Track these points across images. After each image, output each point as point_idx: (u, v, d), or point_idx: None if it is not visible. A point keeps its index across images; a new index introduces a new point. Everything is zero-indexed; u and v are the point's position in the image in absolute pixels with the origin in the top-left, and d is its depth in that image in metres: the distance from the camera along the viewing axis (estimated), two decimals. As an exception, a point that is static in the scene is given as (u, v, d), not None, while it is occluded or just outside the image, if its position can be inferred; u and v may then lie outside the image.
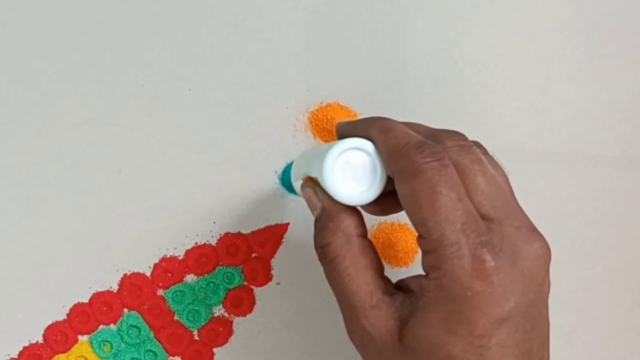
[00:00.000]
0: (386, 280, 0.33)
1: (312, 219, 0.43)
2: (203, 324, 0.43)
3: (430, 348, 0.30)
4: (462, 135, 0.33)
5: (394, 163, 0.31)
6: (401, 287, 0.33)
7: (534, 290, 0.31)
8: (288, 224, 0.44)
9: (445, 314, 0.30)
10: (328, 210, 0.33)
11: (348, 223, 0.33)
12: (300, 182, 0.37)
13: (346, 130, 0.35)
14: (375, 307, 0.32)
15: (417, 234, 0.31)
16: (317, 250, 0.34)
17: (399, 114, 0.44)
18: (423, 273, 0.31)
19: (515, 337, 0.30)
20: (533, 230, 0.32)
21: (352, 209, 0.33)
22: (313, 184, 0.34)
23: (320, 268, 0.42)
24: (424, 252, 0.31)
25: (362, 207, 0.35)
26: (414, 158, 0.30)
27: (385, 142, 0.32)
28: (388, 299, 0.32)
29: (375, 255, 0.33)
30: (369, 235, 0.43)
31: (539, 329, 0.31)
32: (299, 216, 0.43)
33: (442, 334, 0.30)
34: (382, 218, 0.44)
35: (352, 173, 0.32)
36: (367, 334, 0.32)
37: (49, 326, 0.43)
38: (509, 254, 0.30)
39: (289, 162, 0.43)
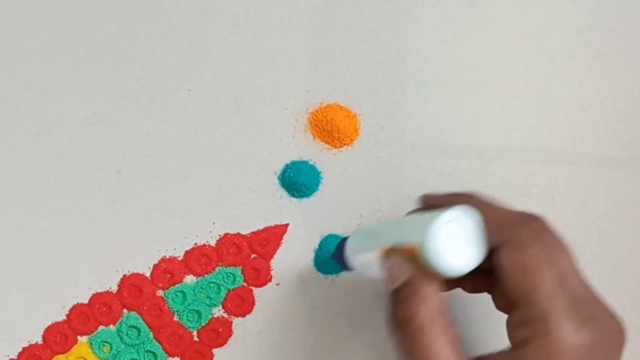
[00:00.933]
0: (463, 355, 0.33)
1: (312, 220, 0.43)
2: (203, 324, 0.43)
3: None
4: (545, 219, 0.33)
5: (500, 234, 0.32)
6: None
7: None
8: (287, 224, 0.43)
9: None
10: (415, 282, 0.33)
11: (434, 298, 0.33)
12: (366, 254, 0.36)
13: (440, 202, 0.35)
14: None
15: (509, 312, 0.32)
16: (394, 322, 0.33)
17: (399, 114, 0.44)
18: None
19: None
20: (612, 312, 0.33)
21: (437, 285, 0.33)
22: (401, 253, 0.34)
23: (319, 268, 0.42)
24: (521, 324, 0.32)
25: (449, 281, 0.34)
26: (522, 230, 0.32)
27: (488, 213, 0.33)
28: None
29: (456, 331, 0.33)
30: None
31: None
32: (298, 217, 0.43)
33: None
34: (382, 218, 0.43)
35: (453, 243, 0.32)
36: None
37: (49, 327, 0.43)
38: (601, 331, 0.31)
39: (288, 163, 0.43)
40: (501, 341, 0.34)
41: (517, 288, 0.31)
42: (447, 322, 0.33)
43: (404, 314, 0.33)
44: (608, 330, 0.32)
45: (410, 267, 0.33)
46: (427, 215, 0.33)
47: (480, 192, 0.35)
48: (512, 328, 0.32)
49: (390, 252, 0.35)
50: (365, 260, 0.37)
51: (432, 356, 0.32)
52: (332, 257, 0.43)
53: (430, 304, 0.33)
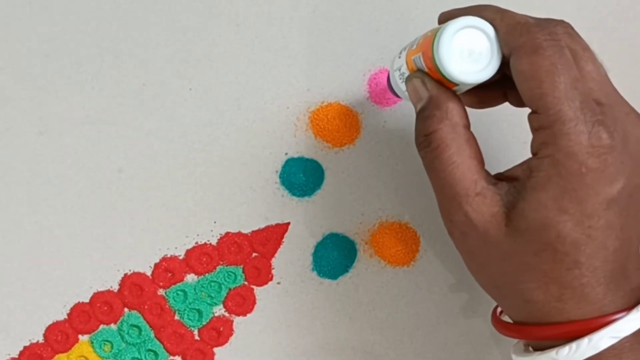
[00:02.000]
0: (488, 172, 0.33)
1: (313, 219, 0.43)
2: (204, 323, 0.43)
3: (540, 228, 0.31)
4: (569, 24, 0.33)
5: (513, 39, 0.31)
6: (503, 178, 0.33)
7: (639, 174, 0.31)
8: (289, 223, 0.43)
9: (558, 191, 0.30)
10: (436, 99, 0.33)
11: (455, 112, 0.33)
12: (402, 79, 0.36)
13: (455, 14, 0.35)
14: (479, 195, 0.32)
15: (530, 111, 0.32)
16: (419, 140, 0.34)
17: (401, 112, 0.44)
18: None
19: (620, 221, 0.31)
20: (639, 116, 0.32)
21: (459, 100, 0.34)
22: (421, 73, 0.34)
23: (320, 267, 0.42)
24: (537, 129, 0.31)
25: (464, 97, 0.35)
26: (535, 35, 0.31)
27: (504, 19, 0.32)
28: (492, 187, 0.32)
29: (478, 148, 0.33)
30: (369, 235, 0.43)
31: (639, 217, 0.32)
32: (299, 216, 0.43)
33: (553, 214, 0.30)
34: (383, 216, 0.44)
35: (467, 52, 0.32)
36: (469, 221, 0.32)
37: (50, 326, 0.43)
38: (620, 135, 0.31)
39: (289, 161, 0.43)
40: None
41: (529, 94, 0.31)
42: (469, 137, 0.33)
43: (427, 129, 0.33)
44: (633, 134, 0.31)
45: (431, 84, 0.34)
46: (439, 27, 0.33)
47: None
48: (532, 135, 0.32)
49: (412, 75, 0.35)
50: (400, 78, 0.37)
51: (454, 169, 0.32)
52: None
53: (452, 118, 0.33)
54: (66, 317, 0.43)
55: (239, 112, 0.43)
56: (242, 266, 0.43)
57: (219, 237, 0.43)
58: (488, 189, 0.32)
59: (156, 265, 0.43)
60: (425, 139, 0.33)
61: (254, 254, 0.43)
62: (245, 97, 0.43)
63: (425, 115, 0.34)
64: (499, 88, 0.36)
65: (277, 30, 0.43)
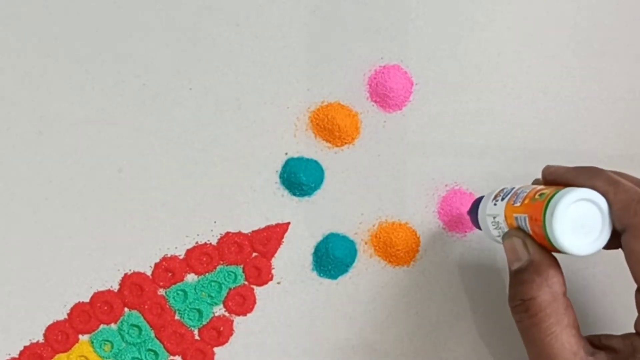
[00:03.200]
0: (585, 339, 0.33)
1: (313, 219, 0.43)
2: (204, 323, 0.43)
3: None
4: None
5: (627, 217, 0.31)
6: (601, 347, 0.33)
7: None
8: (289, 223, 0.43)
9: None
10: (537, 264, 0.33)
11: (556, 280, 0.33)
12: (496, 227, 0.37)
13: (564, 177, 0.35)
14: None
15: (637, 291, 0.32)
16: (514, 303, 0.34)
17: (400, 112, 0.44)
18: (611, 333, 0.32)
19: None
20: None
21: (559, 266, 0.33)
22: (523, 234, 0.34)
23: (320, 267, 0.42)
24: None
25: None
26: None
27: (617, 194, 0.32)
28: (592, 359, 0.32)
29: (575, 315, 0.33)
30: (369, 235, 0.43)
31: None
32: (299, 216, 0.43)
33: None
34: (383, 216, 0.44)
35: (580, 224, 0.32)
36: None
37: (50, 325, 0.43)
38: None
39: (289, 161, 0.43)
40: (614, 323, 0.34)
41: (639, 276, 0.31)
42: (567, 305, 0.33)
43: (525, 295, 0.33)
44: None
45: (533, 248, 0.33)
46: (553, 192, 0.32)
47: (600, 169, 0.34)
48: (638, 317, 0.32)
49: (512, 232, 0.35)
50: (493, 225, 0.37)
51: (553, 339, 0.32)
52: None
53: (552, 286, 0.33)
54: (66, 316, 0.43)
55: (239, 112, 0.43)
56: (242, 266, 0.43)
57: (219, 237, 0.43)
58: None
59: (156, 265, 0.43)
60: (523, 303, 0.33)
61: (254, 254, 0.43)
62: (245, 97, 0.43)
63: (523, 279, 0.34)
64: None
65: (277, 30, 0.43)
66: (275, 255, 0.43)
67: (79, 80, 0.43)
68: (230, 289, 0.43)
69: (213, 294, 0.43)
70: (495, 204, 0.37)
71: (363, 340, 0.44)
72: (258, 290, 0.44)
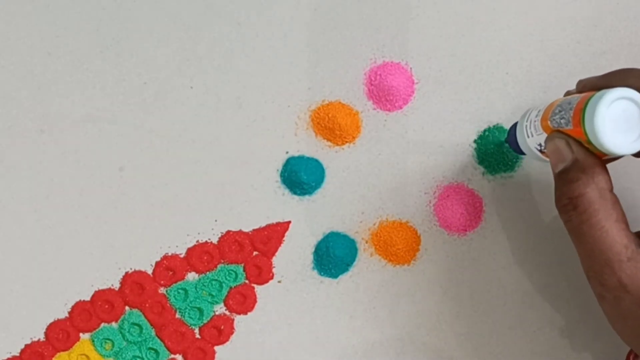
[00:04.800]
0: (634, 234, 0.34)
1: (313, 218, 0.43)
2: (204, 322, 0.43)
3: None
4: None
5: None
6: None
7: None
8: (289, 222, 0.44)
9: None
10: (583, 162, 0.33)
11: (602, 177, 0.33)
12: (535, 137, 0.37)
13: (598, 83, 0.35)
14: (631, 260, 0.32)
15: None
16: (562, 203, 0.34)
17: (401, 111, 0.44)
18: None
19: None
20: None
21: (603, 164, 0.34)
22: (566, 135, 0.34)
23: (321, 266, 0.42)
24: None
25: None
26: None
27: None
28: None
29: (623, 211, 0.33)
30: (369, 234, 0.43)
31: None
32: (300, 214, 0.43)
33: None
34: (384, 215, 0.44)
35: (620, 123, 0.32)
36: (623, 287, 0.33)
37: (51, 324, 0.43)
38: None
39: (289, 160, 0.43)
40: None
41: None
42: (615, 201, 0.33)
43: (573, 193, 0.33)
44: None
45: (577, 147, 0.34)
46: (590, 98, 0.32)
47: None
48: None
49: (555, 135, 0.35)
50: (535, 143, 0.37)
51: (604, 234, 0.33)
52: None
53: (599, 182, 0.33)
54: (67, 315, 0.43)
55: (239, 110, 0.43)
56: (243, 265, 0.43)
57: (219, 236, 0.43)
58: (639, 253, 0.33)
59: (157, 263, 0.43)
60: (570, 202, 0.33)
61: (255, 253, 0.43)
62: (246, 95, 0.43)
63: (569, 178, 0.34)
64: None
65: (278, 29, 0.43)
66: (276, 254, 0.44)
67: (80, 78, 0.43)
68: (231, 287, 0.43)
69: (214, 293, 0.43)
70: (531, 116, 0.37)
71: (363, 339, 0.44)
72: (259, 289, 0.44)
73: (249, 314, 0.43)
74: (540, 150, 0.37)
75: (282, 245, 0.44)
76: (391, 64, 0.44)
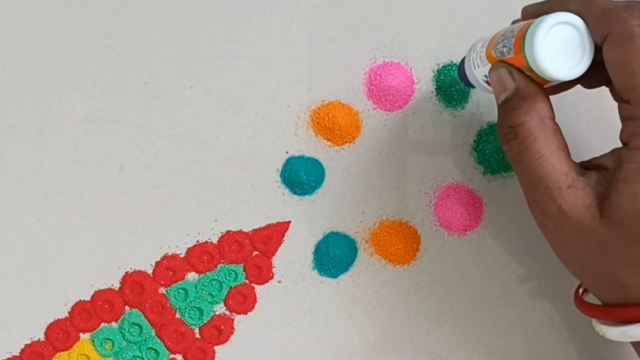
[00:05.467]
0: (576, 162, 0.34)
1: (313, 217, 0.43)
2: (205, 322, 0.43)
3: (637, 218, 0.31)
4: None
5: (603, 28, 0.31)
6: (590, 167, 0.33)
7: None
8: (289, 222, 0.44)
9: None
10: (523, 91, 0.33)
11: (542, 105, 0.33)
12: (481, 68, 0.36)
13: (540, 9, 0.34)
14: (571, 187, 0.32)
15: (620, 101, 0.32)
16: (503, 132, 0.34)
17: (401, 112, 0.44)
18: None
19: None
20: None
21: (545, 92, 0.33)
22: (508, 64, 0.34)
23: (321, 266, 0.42)
24: (628, 119, 0.31)
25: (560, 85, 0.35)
26: (627, 21, 0.30)
27: (591, 9, 0.31)
28: (582, 179, 0.33)
29: (564, 139, 0.33)
30: (369, 234, 0.43)
31: None
32: (300, 214, 0.43)
33: None
34: (384, 215, 0.44)
35: (560, 48, 0.32)
36: (562, 213, 0.33)
37: (51, 324, 0.43)
38: None
39: (289, 160, 0.43)
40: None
41: (621, 84, 0.31)
42: (556, 129, 0.33)
43: (513, 121, 0.33)
44: None
45: (518, 76, 0.33)
46: (529, 24, 0.32)
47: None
48: (622, 124, 0.32)
49: (498, 65, 0.35)
50: (481, 74, 0.37)
51: (544, 162, 0.33)
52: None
53: (540, 110, 0.33)
54: (67, 315, 0.43)
55: (239, 110, 0.43)
56: (243, 264, 0.43)
57: (220, 236, 0.43)
58: (579, 180, 0.33)
59: (157, 263, 0.43)
60: (511, 130, 0.33)
61: (255, 253, 0.43)
62: (246, 95, 0.43)
63: (510, 107, 0.34)
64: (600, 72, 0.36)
65: (278, 28, 0.44)
66: (276, 253, 0.44)
67: (80, 78, 0.43)
68: (230, 287, 0.43)
69: (214, 293, 0.43)
70: (478, 46, 0.37)
71: (363, 339, 0.44)
72: (259, 289, 0.44)
73: (249, 313, 0.43)
74: (487, 82, 0.37)
75: (282, 245, 0.44)
76: (391, 64, 0.44)
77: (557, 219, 0.33)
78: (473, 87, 0.40)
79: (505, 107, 0.34)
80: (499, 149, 0.43)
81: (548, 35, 0.32)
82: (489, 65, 0.36)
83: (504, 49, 0.34)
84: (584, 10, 0.32)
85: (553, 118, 0.34)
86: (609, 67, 0.31)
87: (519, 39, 0.33)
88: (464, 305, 0.44)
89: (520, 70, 0.33)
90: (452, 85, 0.43)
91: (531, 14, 0.35)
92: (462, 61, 0.40)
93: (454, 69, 0.43)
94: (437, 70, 0.44)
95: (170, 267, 0.43)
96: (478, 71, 0.37)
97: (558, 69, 0.32)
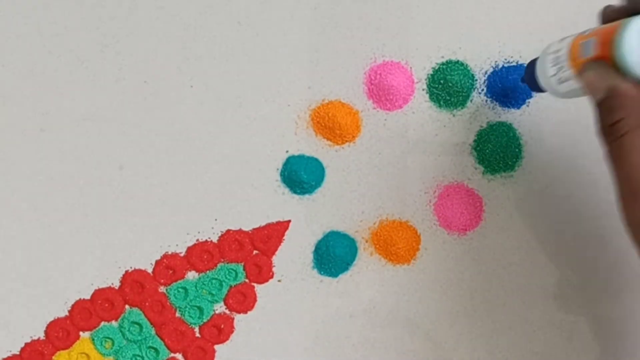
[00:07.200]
0: None
1: (313, 217, 0.43)
2: (204, 320, 0.43)
3: None
4: None
5: None
6: None
7: None
8: (289, 221, 0.44)
9: None
10: (620, 90, 0.33)
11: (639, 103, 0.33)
12: (561, 73, 0.37)
13: (619, 13, 0.35)
14: None
15: None
16: (603, 132, 0.34)
17: (401, 111, 0.44)
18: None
19: None
20: None
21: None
22: (600, 64, 0.34)
23: (321, 265, 0.42)
24: None
25: None
26: None
27: None
28: None
29: None
30: (369, 233, 0.43)
31: None
32: (300, 213, 0.43)
33: None
34: (384, 214, 0.44)
35: None
36: None
37: (51, 322, 0.43)
38: None
39: (289, 159, 0.43)
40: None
41: None
42: None
43: (612, 119, 0.33)
44: None
45: (615, 75, 0.33)
46: (616, 27, 0.33)
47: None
48: None
49: (590, 66, 0.35)
50: (560, 79, 0.37)
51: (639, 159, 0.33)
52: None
53: (638, 107, 0.33)
54: (67, 313, 0.43)
55: (239, 109, 0.43)
56: (243, 264, 0.43)
57: (220, 235, 0.43)
58: None
59: (157, 262, 0.43)
60: (610, 129, 0.33)
61: (255, 252, 0.43)
62: (246, 94, 0.43)
63: (608, 106, 0.34)
64: None
65: (278, 28, 0.44)
66: (276, 253, 0.44)
67: (80, 77, 0.43)
68: (230, 286, 0.43)
69: (214, 292, 0.43)
70: (559, 43, 0.37)
71: (363, 338, 0.44)
72: (259, 288, 0.44)
73: (248, 312, 0.43)
74: (564, 84, 0.37)
75: (282, 244, 0.44)
76: (391, 64, 0.44)
77: None
78: (542, 91, 0.39)
79: (604, 106, 0.34)
80: (499, 148, 0.43)
81: (637, 34, 0.32)
82: (569, 71, 0.36)
83: (589, 52, 0.34)
84: None
85: None
86: None
87: (606, 42, 0.33)
88: (464, 305, 0.44)
89: (612, 69, 0.33)
90: (452, 84, 0.43)
91: (615, 15, 0.35)
92: (531, 66, 0.39)
93: (454, 68, 0.43)
94: (437, 70, 0.44)
95: (170, 266, 0.43)
96: (556, 77, 0.37)
97: None
